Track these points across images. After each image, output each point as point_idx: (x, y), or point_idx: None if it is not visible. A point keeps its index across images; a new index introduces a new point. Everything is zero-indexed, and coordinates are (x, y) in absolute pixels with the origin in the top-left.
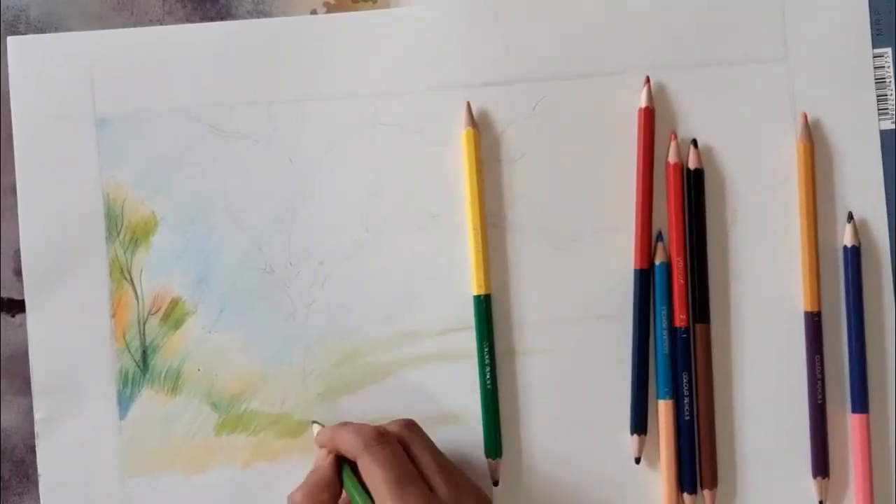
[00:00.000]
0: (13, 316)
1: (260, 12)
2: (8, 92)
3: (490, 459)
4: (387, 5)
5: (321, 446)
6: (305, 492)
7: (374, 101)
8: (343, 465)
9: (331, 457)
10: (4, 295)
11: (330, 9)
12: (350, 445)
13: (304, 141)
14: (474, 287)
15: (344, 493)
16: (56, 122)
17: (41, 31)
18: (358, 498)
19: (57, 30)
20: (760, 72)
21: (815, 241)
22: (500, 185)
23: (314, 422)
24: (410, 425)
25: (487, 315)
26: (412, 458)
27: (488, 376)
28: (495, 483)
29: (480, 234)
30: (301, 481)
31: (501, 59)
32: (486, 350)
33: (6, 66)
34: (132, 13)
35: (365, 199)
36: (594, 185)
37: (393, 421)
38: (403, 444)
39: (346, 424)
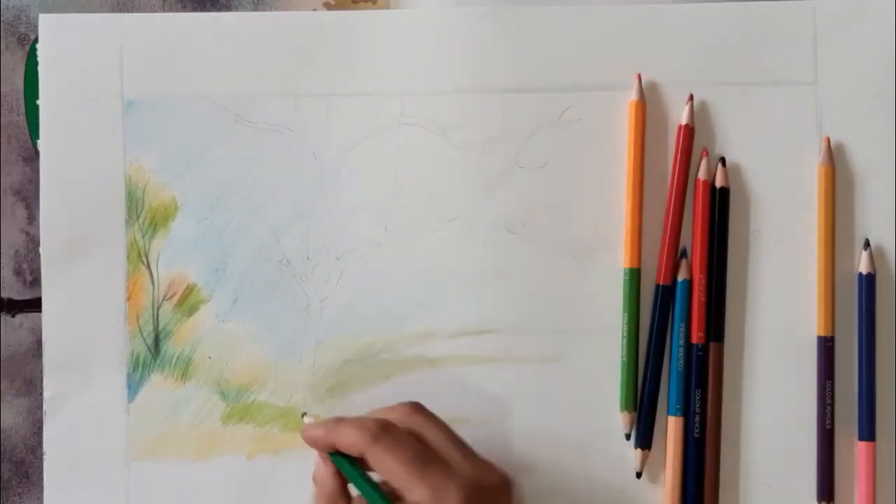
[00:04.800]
0: (13, 316)
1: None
2: (8, 92)
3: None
4: (387, 5)
5: (313, 445)
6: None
7: (400, 100)
8: (344, 467)
9: (331, 468)
10: (4, 295)
11: (330, 8)
12: (354, 441)
13: (328, 136)
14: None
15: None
16: (83, 102)
17: None
18: (374, 493)
19: None
20: (789, 94)
21: (831, 266)
22: (521, 193)
23: (304, 413)
24: (416, 408)
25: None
26: (426, 442)
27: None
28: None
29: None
30: (307, 475)
31: (530, 67)
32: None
33: (7, 64)
34: (131, 12)
35: (385, 197)
36: (615, 197)
37: (395, 406)
38: (411, 431)
39: (342, 420)
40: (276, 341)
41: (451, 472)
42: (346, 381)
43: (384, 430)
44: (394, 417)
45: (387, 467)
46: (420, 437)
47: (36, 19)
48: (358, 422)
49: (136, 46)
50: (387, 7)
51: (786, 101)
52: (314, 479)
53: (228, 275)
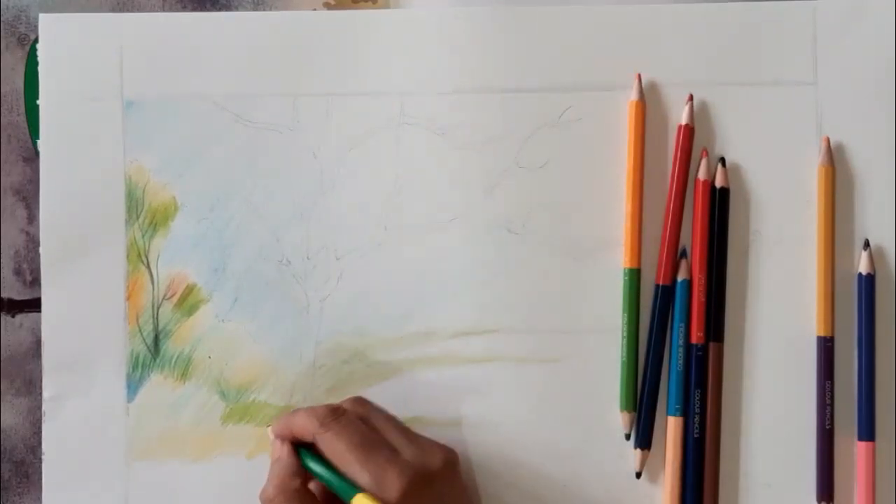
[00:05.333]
0: (13, 316)
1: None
2: (8, 92)
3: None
4: (386, 5)
5: (277, 436)
6: (276, 484)
7: (400, 100)
8: (301, 451)
9: (287, 444)
10: (4, 295)
11: (330, 8)
12: (306, 427)
13: (328, 135)
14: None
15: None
16: (83, 102)
17: None
18: (326, 475)
19: None
20: (789, 94)
21: (831, 267)
22: (521, 193)
23: (269, 425)
24: (361, 401)
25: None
26: (371, 428)
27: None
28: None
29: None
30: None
31: (530, 67)
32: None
33: (7, 64)
34: (131, 12)
35: (385, 197)
36: (615, 197)
37: (344, 400)
38: (360, 417)
39: (298, 410)
40: (276, 341)
41: (395, 456)
42: (346, 381)
43: (332, 415)
44: (343, 406)
45: (334, 451)
46: (366, 421)
47: (36, 19)
48: (310, 409)
49: (136, 46)
50: (387, 7)
51: (786, 101)
52: (272, 457)
53: (228, 274)
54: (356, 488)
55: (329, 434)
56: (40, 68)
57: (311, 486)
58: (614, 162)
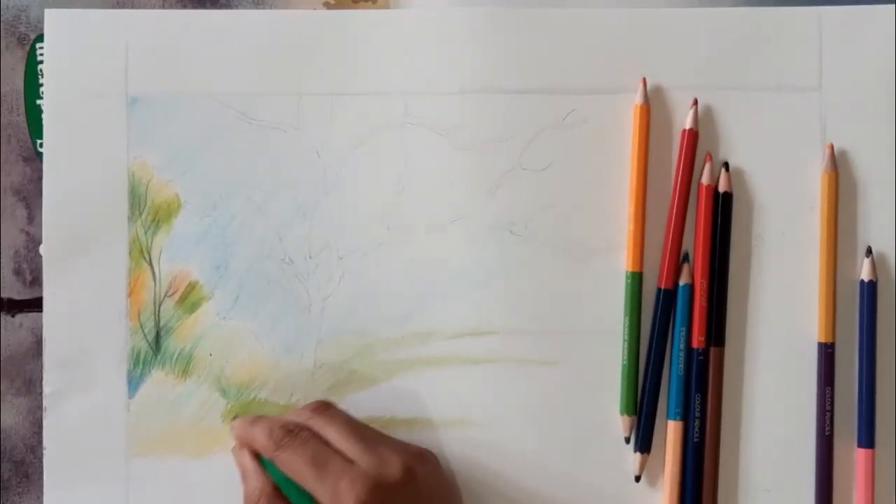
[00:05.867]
0: (13, 316)
1: None
2: (8, 92)
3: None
4: (386, 5)
5: (237, 438)
6: (254, 486)
7: (404, 99)
8: (263, 461)
9: (261, 473)
10: (4, 295)
11: (330, 8)
12: (263, 447)
13: (332, 134)
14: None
15: None
16: (87, 98)
17: (41, 30)
18: (288, 489)
19: None
20: (793, 99)
21: (833, 273)
22: (524, 194)
23: (234, 418)
24: (322, 408)
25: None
26: (327, 442)
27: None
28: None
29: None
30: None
31: (534, 69)
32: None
33: (7, 64)
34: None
35: (388, 197)
36: (618, 200)
37: (304, 406)
38: (315, 432)
39: (258, 420)
40: (278, 340)
41: (349, 468)
42: (347, 381)
43: (287, 434)
44: (301, 419)
45: (293, 471)
46: (321, 436)
47: (36, 19)
48: (267, 427)
49: (141, 43)
50: (387, 7)
51: (790, 106)
52: (237, 462)
53: (230, 272)
54: None
55: (284, 455)
56: (45, 64)
57: None
58: (618, 165)
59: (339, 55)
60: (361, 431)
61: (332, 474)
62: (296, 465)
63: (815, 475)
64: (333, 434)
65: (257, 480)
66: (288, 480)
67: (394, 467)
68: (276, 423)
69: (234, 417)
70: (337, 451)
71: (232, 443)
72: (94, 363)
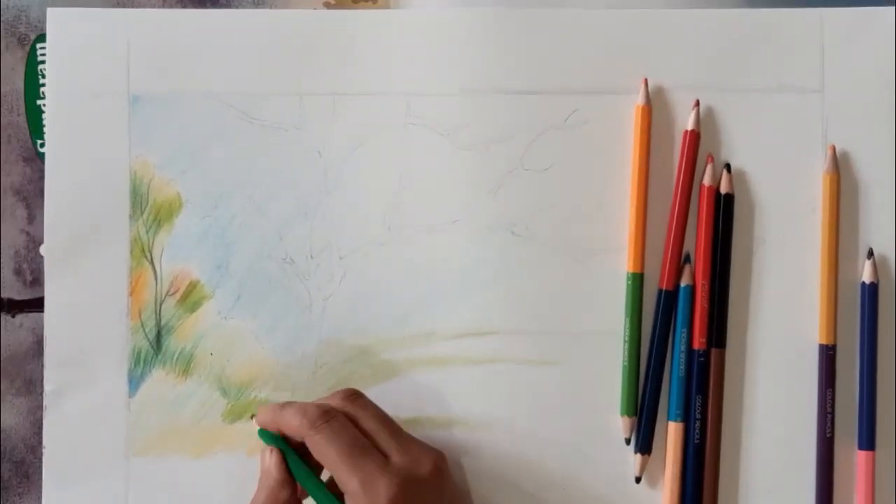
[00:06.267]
0: (13, 316)
1: None
2: (8, 92)
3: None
4: (387, 5)
5: (262, 425)
6: (266, 496)
7: (405, 100)
8: (288, 456)
9: (276, 454)
10: (4, 295)
11: (330, 8)
12: (295, 427)
13: (333, 134)
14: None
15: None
16: (89, 96)
17: (41, 30)
18: (311, 488)
19: None
20: (796, 101)
21: (834, 275)
22: (525, 195)
23: (253, 415)
24: (354, 396)
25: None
26: (362, 431)
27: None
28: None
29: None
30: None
31: (536, 69)
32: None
33: (7, 64)
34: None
35: (389, 197)
36: (620, 201)
37: (335, 393)
38: (350, 418)
39: (289, 404)
40: (278, 339)
41: (383, 462)
42: (347, 381)
43: (323, 417)
44: (334, 404)
45: (324, 455)
46: (356, 423)
47: (36, 19)
48: (300, 408)
49: (143, 41)
50: (387, 7)
51: (792, 108)
52: (261, 466)
53: (231, 272)
54: None
55: (319, 437)
56: (47, 62)
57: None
58: (619, 166)
59: (340, 55)
60: (393, 425)
61: (368, 466)
62: (330, 450)
63: (816, 477)
64: (368, 424)
65: (278, 481)
66: (305, 469)
67: (425, 465)
68: (309, 406)
69: (252, 416)
70: (373, 443)
71: (232, 442)
72: (94, 362)
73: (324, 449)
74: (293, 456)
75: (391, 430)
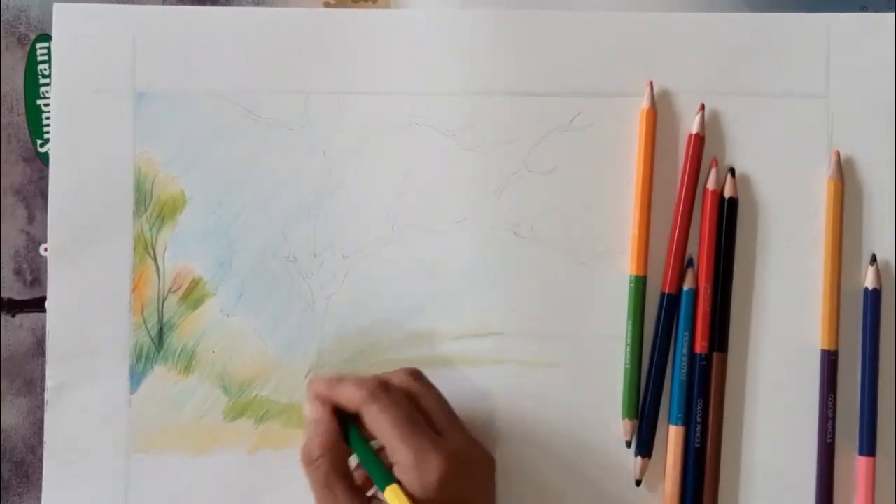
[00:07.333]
0: (13, 316)
1: None
2: (8, 92)
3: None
4: (387, 5)
5: (318, 398)
6: (321, 443)
7: (411, 100)
8: (344, 424)
9: (328, 407)
10: (4, 295)
11: (329, 8)
12: (353, 397)
13: (338, 133)
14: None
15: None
16: (94, 93)
17: (41, 30)
18: (364, 455)
19: None
20: (801, 106)
21: (837, 280)
22: (529, 196)
23: (308, 377)
24: (416, 374)
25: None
26: (420, 409)
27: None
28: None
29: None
30: None
31: (542, 71)
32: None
33: (7, 64)
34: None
35: (393, 197)
36: (624, 204)
37: (396, 371)
38: (409, 395)
39: (344, 377)
40: (280, 338)
41: (438, 440)
42: None
43: (380, 388)
44: (394, 380)
45: (379, 426)
46: (415, 400)
47: (36, 19)
48: (358, 379)
49: (149, 38)
50: (387, 7)
51: (797, 113)
52: (311, 415)
53: (234, 269)
54: (391, 479)
55: (376, 406)
56: (52, 57)
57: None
58: (624, 168)
59: (346, 54)
60: (450, 410)
61: (422, 441)
62: (385, 421)
63: (816, 482)
64: (428, 402)
65: (324, 434)
66: (363, 442)
67: (478, 453)
68: (367, 378)
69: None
70: (429, 420)
71: (232, 440)
72: (96, 358)
73: (379, 419)
74: (350, 424)
75: (449, 413)
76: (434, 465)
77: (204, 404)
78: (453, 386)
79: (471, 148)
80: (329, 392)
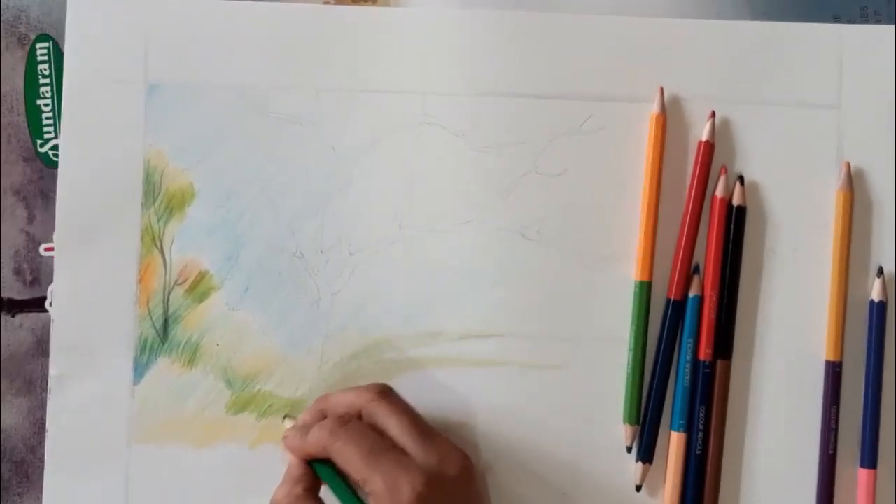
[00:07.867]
0: (13, 316)
1: None
2: (8, 92)
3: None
4: (387, 4)
5: (291, 451)
6: (285, 491)
7: (422, 99)
8: (320, 469)
9: (301, 456)
10: (4, 295)
11: (329, 6)
12: (317, 443)
13: (348, 131)
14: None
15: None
16: (106, 84)
17: (41, 30)
18: (337, 490)
19: (57, 31)
20: (812, 116)
21: (844, 291)
22: (538, 199)
23: (285, 416)
24: (383, 392)
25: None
26: (385, 432)
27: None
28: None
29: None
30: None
31: (553, 74)
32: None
33: (7, 64)
34: None
35: (401, 195)
36: (631, 209)
37: (367, 386)
38: (373, 419)
39: (310, 424)
40: (285, 333)
41: (407, 461)
42: (353, 377)
43: (340, 424)
44: (358, 403)
45: (346, 460)
46: (380, 424)
47: (36, 19)
48: (320, 425)
49: (162, 31)
50: (387, 6)
51: (808, 123)
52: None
53: (241, 264)
54: None
55: (338, 444)
56: (65, 48)
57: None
58: (632, 173)
59: (358, 51)
60: (422, 424)
61: (389, 464)
62: (351, 453)
63: (817, 493)
64: (395, 424)
65: (289, 482)
66: (338, 480)
67: (452, 465)
68: (329, 418)
69: (285, 417)
70: (394, 443)
71: (235, 433)
72: (100, 348)
73: (344, 455)
74: (324, 467)
75: (418, 428)
76: (407, 487)
77: (207, 397)
78: (455, 386)
79: (480, 149)
80: (299, 448)
